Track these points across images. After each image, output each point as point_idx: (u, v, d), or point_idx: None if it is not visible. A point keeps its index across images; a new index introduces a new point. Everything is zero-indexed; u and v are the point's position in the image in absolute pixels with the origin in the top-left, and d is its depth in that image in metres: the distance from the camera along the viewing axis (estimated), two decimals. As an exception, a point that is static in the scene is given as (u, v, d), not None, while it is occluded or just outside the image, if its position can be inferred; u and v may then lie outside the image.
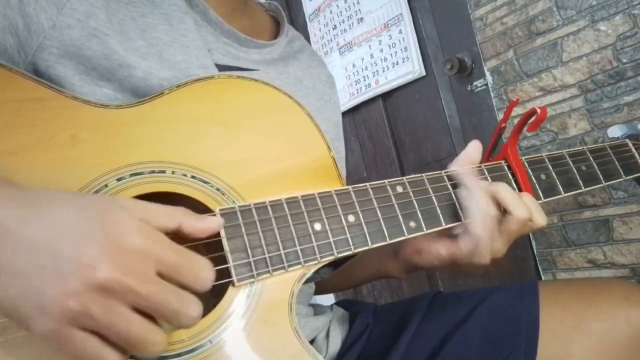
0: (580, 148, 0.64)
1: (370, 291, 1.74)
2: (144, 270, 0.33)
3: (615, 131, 0.72)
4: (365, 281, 0.73)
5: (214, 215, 0.42)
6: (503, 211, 0.53)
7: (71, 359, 0.33)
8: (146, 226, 0.35)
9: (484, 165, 0.57)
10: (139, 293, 0.32)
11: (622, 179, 0.65)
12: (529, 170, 0.59)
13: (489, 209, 0.51)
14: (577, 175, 0.62)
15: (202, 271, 0.36)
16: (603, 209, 1.10)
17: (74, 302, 0.31)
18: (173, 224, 0.37)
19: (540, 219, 0.54)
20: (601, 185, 0.63)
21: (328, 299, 1.74)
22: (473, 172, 0.56)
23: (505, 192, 0.52)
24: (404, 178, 0.52)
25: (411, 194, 0.51)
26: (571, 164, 0.62)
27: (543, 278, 1.22)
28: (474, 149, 0.57)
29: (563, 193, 0.60)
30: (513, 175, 0.58)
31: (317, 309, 0.69)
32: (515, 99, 0.62)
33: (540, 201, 0.57)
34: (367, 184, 0.50)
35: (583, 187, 0.61)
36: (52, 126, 0.40)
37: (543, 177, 0.60)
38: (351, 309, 0.74)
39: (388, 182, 0.51)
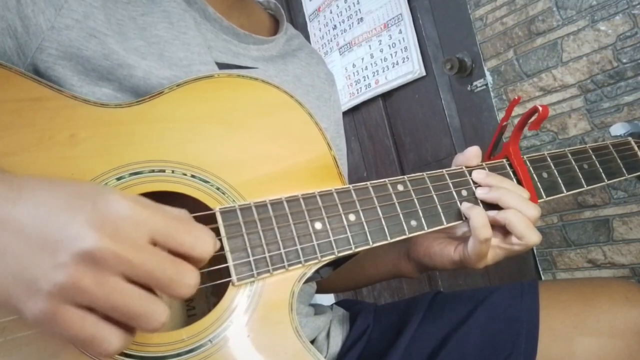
0: (583, 146, 0.64)
1: (370, 291, 1.74)
2: (136, 237, 0.31)
3: (617, 129, 0.71)
4: (375, 281, 0.73)
5: (212, 212, 0.41)
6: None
7: (70, 342, 0.30)
8: (136, 195, 0.33)
9: (486, 164, 0.57)
10: (130, 262, 0.30)
11: (624, 177, 0.64)
12: (530, 168, 0.59)
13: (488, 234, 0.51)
14: (579, 174, 0.61)
15: (200, 238, 0.33)
16: (603, 209, 1.10)
17: (62, 274, 0.29)
18: None
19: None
20: (603, 183, 0.62)
21: (328, 299, 1.73)
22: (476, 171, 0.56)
23: (517, 221, 0.52)
24: (404, 177, 0.52)
25: (412, 192, 0.51)
26: (573, 162, 0.62)
27: (543, 278, 1.22)
28: (474, 156, 0.56)
29: (565, 191, 0.59)
30: (515, 173, 0.58)
31: (318, 309, 0.69)
32: (517, 97, 0.61)
33: (542, 200, 0.57)
34: (368, 182, 0.49)
35: (585, 186, 0.60)
36: (52, 126, 0.40)
37: (545, 175, 0.59)
38: (351, 309, 0.74)
39: (389, 180, 0.51)
